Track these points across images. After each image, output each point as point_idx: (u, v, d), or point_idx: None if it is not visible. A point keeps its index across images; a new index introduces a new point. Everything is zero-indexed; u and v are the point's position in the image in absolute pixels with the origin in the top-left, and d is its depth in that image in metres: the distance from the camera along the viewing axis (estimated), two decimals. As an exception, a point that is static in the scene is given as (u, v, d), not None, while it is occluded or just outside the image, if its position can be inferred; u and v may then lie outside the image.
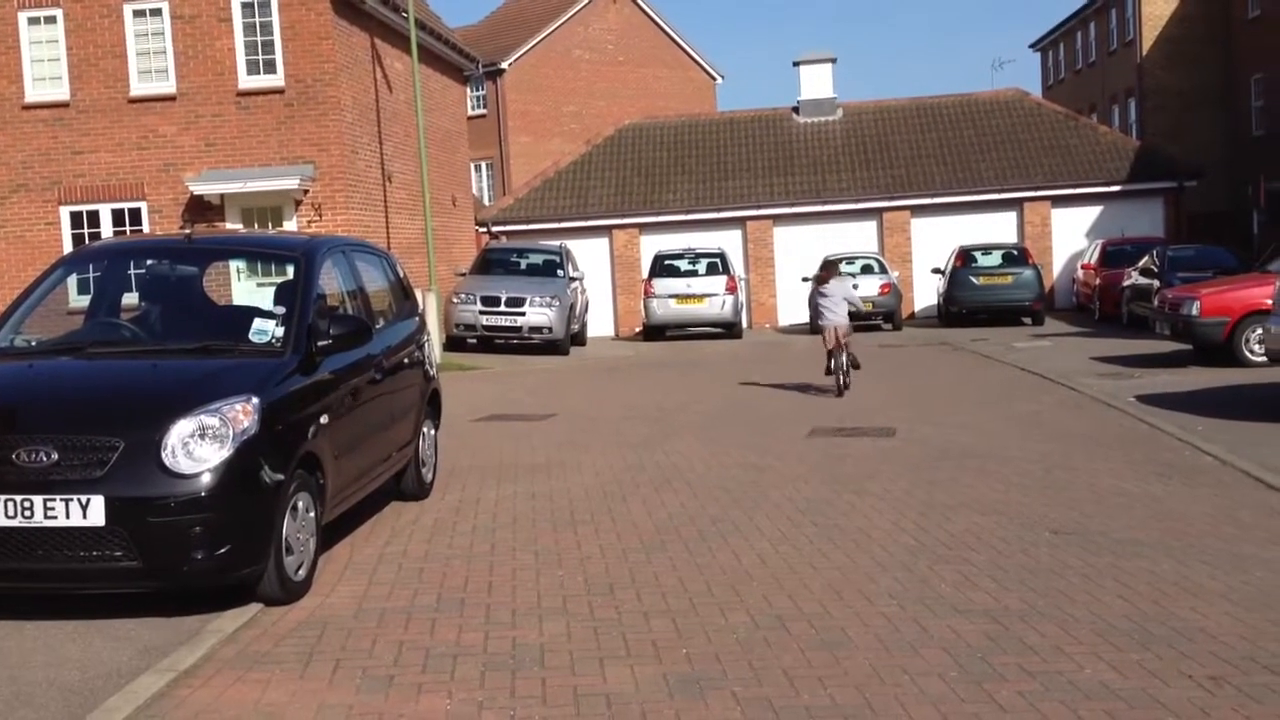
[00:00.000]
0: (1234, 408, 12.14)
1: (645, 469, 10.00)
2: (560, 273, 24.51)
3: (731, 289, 26.55)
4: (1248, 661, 5.06)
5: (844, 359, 14.68)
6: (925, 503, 8.37)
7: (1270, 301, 12.87)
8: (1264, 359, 13.84)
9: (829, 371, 14.85)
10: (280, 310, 7.31)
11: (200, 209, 20.60)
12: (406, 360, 8.81)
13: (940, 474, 9.39)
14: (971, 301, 26.73)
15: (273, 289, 8.10)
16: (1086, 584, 6.27)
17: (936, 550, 7.08)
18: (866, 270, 27.32)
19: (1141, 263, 23.46)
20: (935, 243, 30.22)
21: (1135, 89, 37.88)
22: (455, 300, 23.46)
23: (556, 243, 27.03)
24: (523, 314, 22.95)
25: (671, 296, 26.34)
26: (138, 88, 20.88)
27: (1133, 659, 5.14)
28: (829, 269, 16.07)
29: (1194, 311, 16.01)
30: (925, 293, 30.53)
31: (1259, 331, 14.82)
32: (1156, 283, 20.76)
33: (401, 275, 9.64)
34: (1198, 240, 26.86)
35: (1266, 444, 10.03)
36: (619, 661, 5.34)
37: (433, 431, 9.45)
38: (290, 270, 7.62)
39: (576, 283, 25.12)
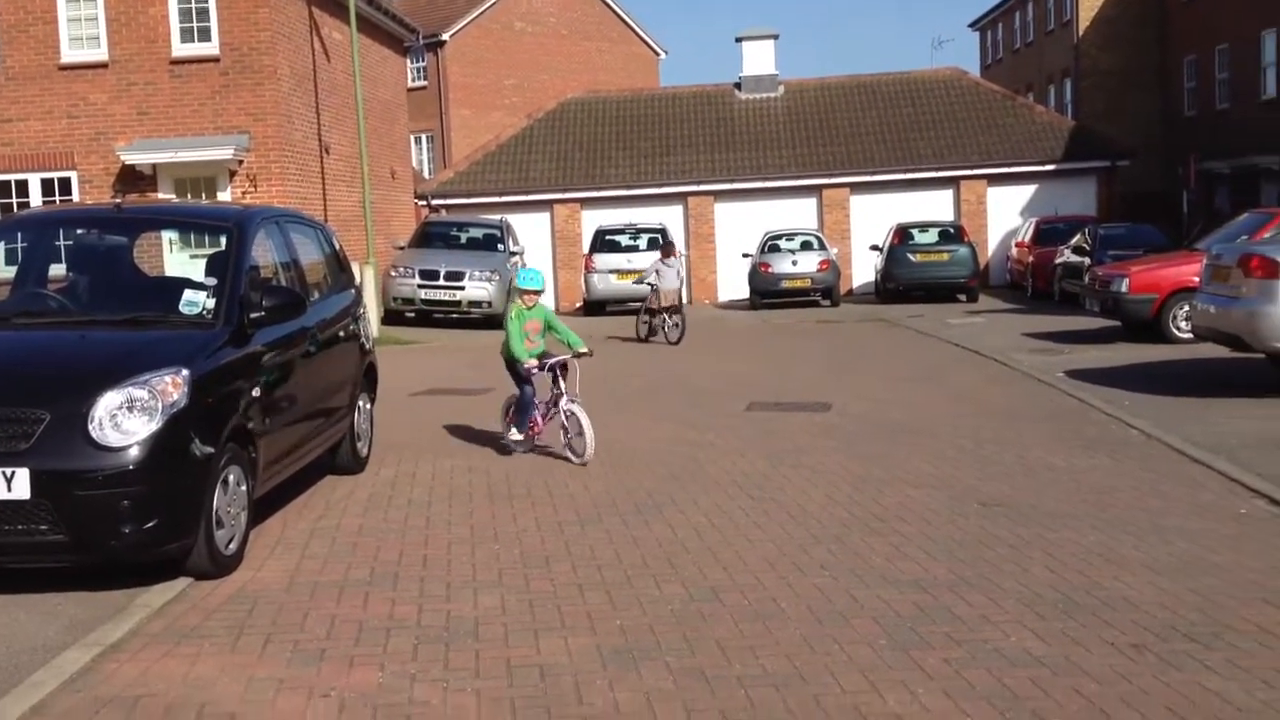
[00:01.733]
0: (1160, 383, 12.39)
1: (583, 443, 9.99)
2: (500, 247, 24.40)
3: (672, 264, 26.54)
4: (1168, 630, 5.19)
5: (678, 317, 19.03)
6: (859, 476, 8.46)
7: (1198, 279, 13.12)
8: (1190, 336, 14.10)
9: (651, 330, 19.50)
10: (211, 282, 7.21)
11: (132, 179, 20.23)
12: (342, 333, 8.74)
13: (874, 448, 9.50)
14: (908, 278, 26.98)
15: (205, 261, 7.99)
16: (1014, 555, 6.38)
17: (869, 523, 7.17)
18: (806, 247, 27.47)
19: (1074, 241, 23.81)
20: (874, 220, 30.45)
21: (1072, 69, 38.32)
22: (394, 274, 23.28)
23: (497, 217, 26.90)
24: (462, 288, 22.84)
25: (612, 272, 26.30)
26: (68, 55, 20.42)
27: (1057, 628, 5.25)
28: (668, 249, 20.29)
29: (1123, 289, 16.28)
30: (864, 269, 30.78)
31: (1186, 309, 15.10)
32: (1088, 260, 21.08)
33: (337, 247, 9.55)
34: (1129, 219, 27.29)
35: (1191, 419, 10.24)
36: (553, 633, 5.36)
37: (368, 405, 9.39)
38: (222, 241, 7.52)
39: (517, 257, 25.00)
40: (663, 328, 19.12)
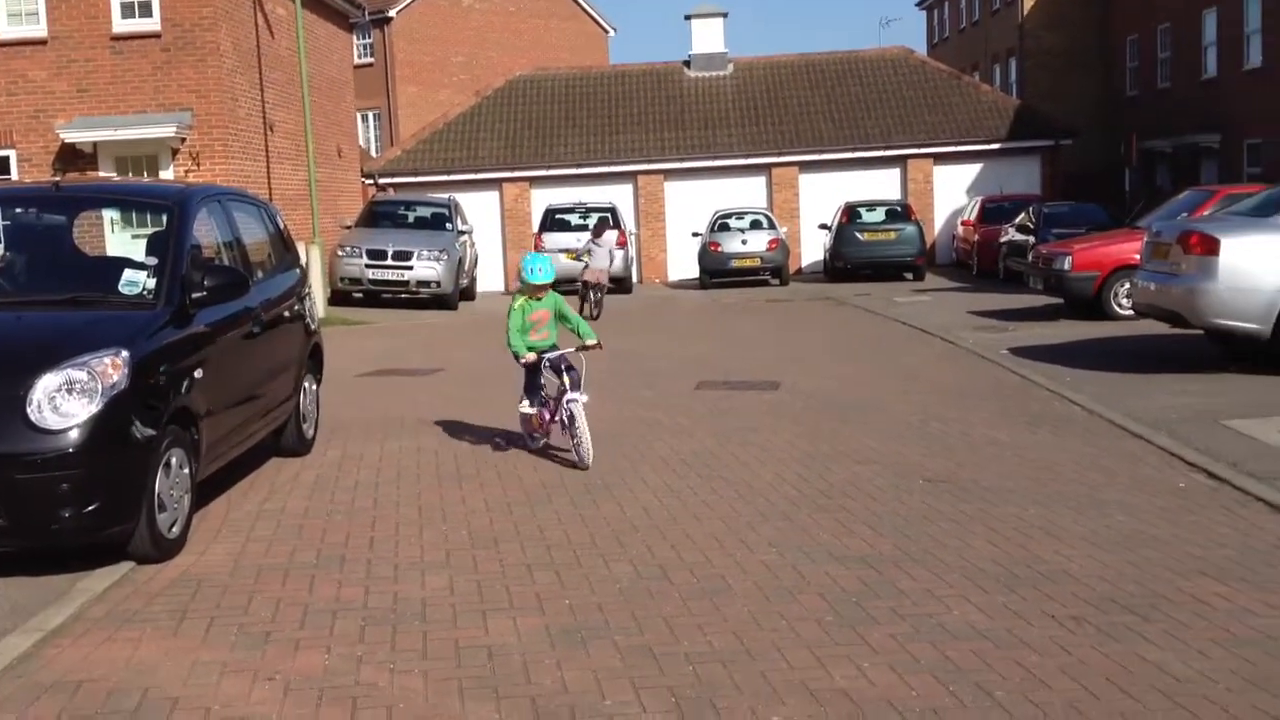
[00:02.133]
0: (1102, 359, 12.56)
1: (531, 423, 9.98)
2: (449, 226, 24.24)
3: (622, 244, 26.52)
4: (1107, 601, 5.27)
5: (601, 295, 20.08)
6: (807, 453, 8.52)
7: (1139, 257, 13.30)
8: (1131, 312, 14.30)
9: (584, 301, 19.85)
10: (152, 261, 7.11)
11: (72, 158, 19.90)
12: (286, 313, 8.65)
13: (822, 425, 9.56)
14: (856, 257, 27.13)
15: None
16: (957, 530, 6.46)
17: (816, 500, 7.22)
18: (755, 225, 27.55)
19: (1018, 219, 24.05)
20: (823, 198, 30.58)
21: (1017, 49, 38.59)
22: (340, 253, 23.08)
23: (445, 195, 26.73)
24: (410, 268, 22.68)
25: (562, 251, 26.15)
26: (6, 31, 20.01)
27: (999, 601, 5.32)
28: (600, 228, 20.96)
29: (1066, 266, 16.48)
30: (812, 248, 30.91)
31: (1127, 286, 15.30)
32: (1032, 239, 21.30)
33: (281, 226, 9.45)
34: (1073, 198, 27.59)
35: (1131, 394, 10.40)
36: (502, 614, 5.35)
37: (314, 386, 9.31)
38: (163, 220, 7.40)
39: (465, 236, 24.89)
40: (592, 302, 20.01)
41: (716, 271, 27.03)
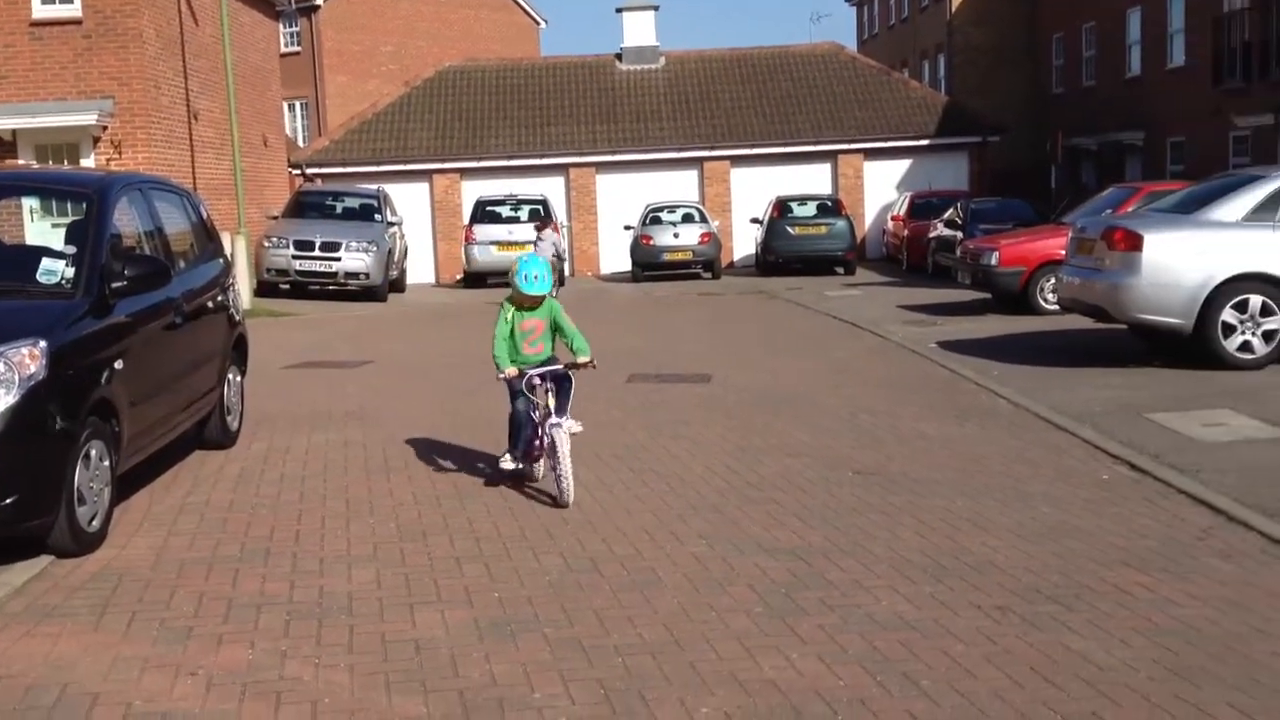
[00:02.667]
0: (1028, 353, 12.74)
1: (463, 415, 9.92)
2: (378, 217, 24.00)
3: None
4: (1032, 592, 5.34)
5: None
6: (738, 446, 8.54)
7: (1064, 252, 13.51)
8: (1056, 307, 14.52)
9: None
10: (71, 250, 6.94)
11: (-11, 144, 19.39)
12: (210, 304, 8.50)
13: (753, 419, 9.59)
14: (787, 251, 27.28)
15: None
16: (886, 521, 6.51)
17: (746, 492, 7.24)
18: (687, 219, 27.59)
19: (946, 215, 24.33)
20: (754, 192, 30.71)
21: (945, 45, 39.05)
22: (267, 244, 22.75)
23: (374, 186, 26.44)
24: (338, 259, 22.42)
25: (493, 243, 26.09)
26: (-83, 13, 19.44)
27: (926, 592, 5.37)
28: (544, 222, 21.39)
29: (993, 261, 16.69)
30: (744, 242, 31.03)
31: (1052, 281, 15.54)
32: (960, 234, 21.55)
33: (205, 215, 9.27)
34: (1000, 194, 27.98)
35: (1056, 387, 10.56)
36: (429, 607, 5.30)
37: (238, 378, 9.16)
38: (83, 208, 7.23)
39: (395, 228, 24.65)
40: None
41: (649, 265, 27.05)
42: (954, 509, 6.73)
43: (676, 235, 27.05)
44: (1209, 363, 10.94)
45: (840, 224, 27.16)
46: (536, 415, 7.12)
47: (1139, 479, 7.34)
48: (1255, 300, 10.86)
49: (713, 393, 10.95)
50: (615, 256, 30.35)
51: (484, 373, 12.46)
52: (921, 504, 6.86)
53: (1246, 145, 25.98)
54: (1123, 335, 12.65)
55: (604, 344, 14.92)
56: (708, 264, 27.31)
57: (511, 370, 7.11)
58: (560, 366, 7.14)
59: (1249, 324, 10.90)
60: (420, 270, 29.35)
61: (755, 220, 29.12)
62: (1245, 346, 10.92)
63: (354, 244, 22.47)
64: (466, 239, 26.85)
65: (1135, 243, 11.14)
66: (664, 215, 27.73)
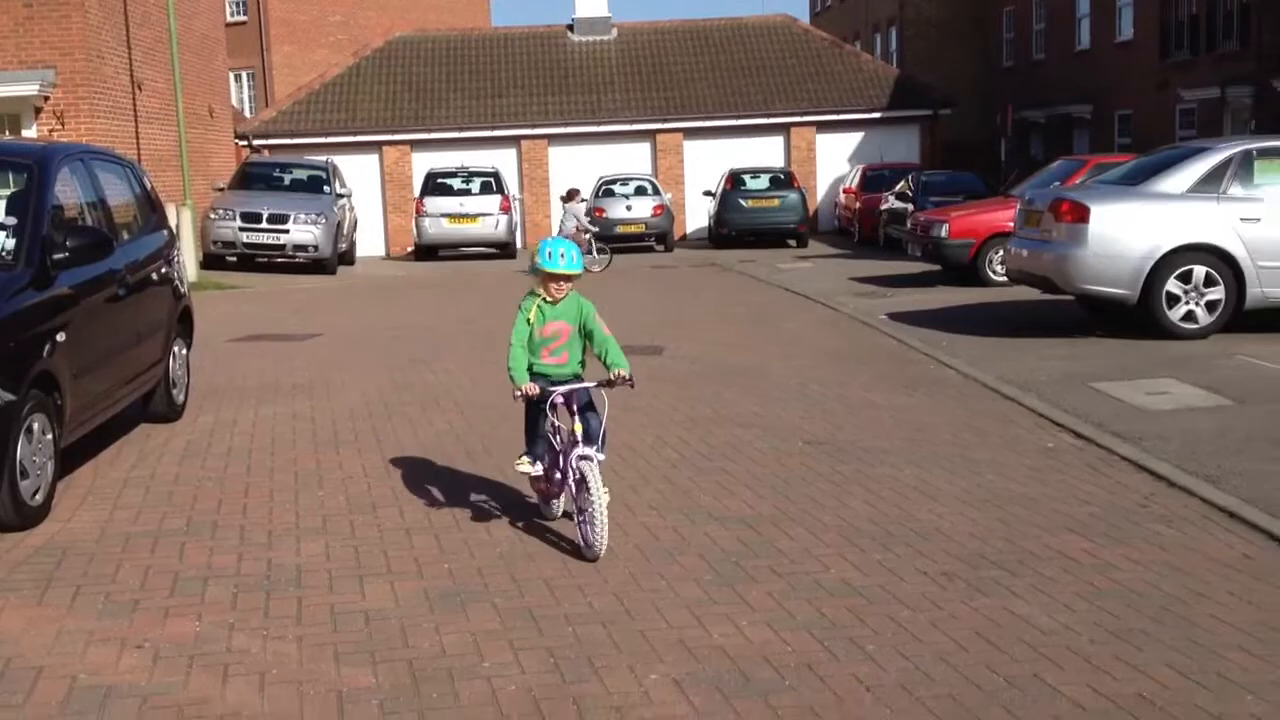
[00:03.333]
0: (977, 324, 12.86)
1: (413, 388, 9.87)
2: (326, 189, 23.73)
3: (505, 209, 26.33)
4: (977, 557, 5.41)
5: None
6: (689, 417, 8.56)
7: (1012, 224, 13.63)
8: (1005, 279, 14.66)
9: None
10: (11, 221, 6.80)
11: (-73, 115, 18.97)
12: (154, 276, 8.38)
13: (705, 390, 9.62)
14: (740, 223, 27.31)
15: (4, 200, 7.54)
16: (835, 490, 6.56)
17: (697, 462, 7.27)
18: (640, 192, 27.54)
19: (897, 187, 24.46)
20: (707, 165, 30.67)
21: (896, 18, 39.17)
22: (213, 216, 22.45)
23: (323, 158, 26.12)
24: (286, 231, 22.16)
25: (444, 215, 25.92)
26: None
27: (874, 558, 5.42)
28: (571, 194, 22.04)
29: (943, 234, 16.81)
30: (697, 214, 31.03)
31: (1001, 253, 15.66)
32: (911, 206, 21.68)
33: (148, 186, 9.13)
34: (950, 166, 28.17)
35: (1003, 358, 10.67)
36: (379, 579, 5.28)
37: (184, 351, 9.05)
38: (24, 179, 7.09)
39: (344, 200, 24.40)
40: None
41: (601, 237, 26.95)
42: (902, 477, 6.79)
43: (629, 208, 27.01)
44: (1153, 333, 11.10)
45: (793, 196, 27.21)
46: (558, 441, 5.75)
47: (1083, 447, 7.44)
48: (1199, 271, 11.02)
49: (664, 364, 10.96)
50: (568, 229, 30.22)
51: (435, 346, 12.45)
52: (870, 473, 6.91)
53: (1193, 118, 26.31)
54: (1070, 306, 12.80)
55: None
56: (660, 236, 27.29)
57: (531, 387, 5.64)
58: (590, 384, 5.72)
59: (1193, 294, 11.06)
60: (370, 243, 29.11)
61: (708, 193, 29.11)
62: (1189, 316, 11.09)
63: (302, 216, 22.22)
64: (417, 211, 26.64)
65: (1082, 214, 11.25)
66: (617, 188, 27.66)
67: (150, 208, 8.96)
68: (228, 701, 4.08)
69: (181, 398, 8.86)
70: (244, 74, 42.13)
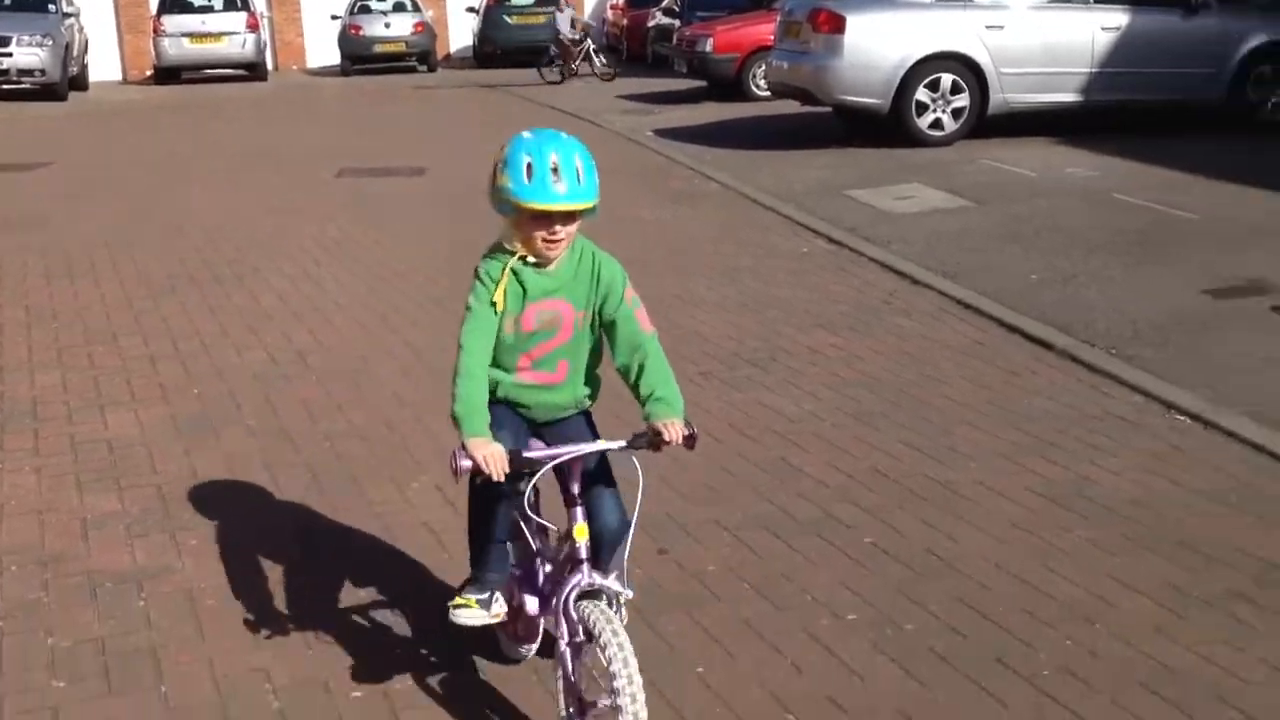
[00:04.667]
0: (741, 138, 12.98)
1: (155, 217, 9.32)
2: (52, 7, 21.77)
3: (253, 26, 24.79)
4: (733, 357, 5.56)
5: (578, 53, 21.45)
6: (452, 238, 8.40)
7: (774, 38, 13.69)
8: (768, 93, 14.80)
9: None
10: None
11: None
12: None
13: (466, 208, 9.40)
14: (506, 42, 26.57)
15: None
16: (597, 300, 6.58)
17: (460, 281, 7.13)
18: (399, 8, 26.36)
19: (664, 3, 24.17)
20: (469, -19, 29.52)
21: None
22: (-76, 38, 20.35)
23: (47, -27, 23.89)
24: (9, 54, 20.31)
25: (185, 35, 24.25)
26: None
27: (634, 363, 5.49)
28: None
29: (708, 49, 16.78)
30: (461, 32, 29.97)
31: (764, 67, 15.78)
32: (678, 23, 21.50)
33: None
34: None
35: (765, 170, 10.84)
36: (122, 408, 5.05)
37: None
38: None
39: (72, 19, 22.48)
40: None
41: (359, 58, 25.83)
42: (664, 286, 6.87)
43: (388, 25, 25.86)
44: (904, 141, 11.45)
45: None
46: (538, 547, 3.06)
47: (835, 251, 7.69)
48: (946, 79, 11.35)
49: (427, 185, 10.70)
50: (323, 49, 28.72)
51: (179, 173, 11.79)
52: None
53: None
54: (828, 117, 13.04)
55: (312, 141, 14.30)
56: (422, 56, 26.30)
57: (492, 452, 2.78)
58: (610, 444, 2.94)
59: (940, 102, 11.41)
60: (105, 67, 26.98)
61: (471, 10, 28.09)
62: (936, 124, 11.46)
63: (26, 37, 20.38)
64: (155, 31, 24.80)
65: (838, 24, 11.38)
66: (373, 4, 26.38)
67: None
68: (-43, 539, 3.87)
69: (-108, 232, 8.13)
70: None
